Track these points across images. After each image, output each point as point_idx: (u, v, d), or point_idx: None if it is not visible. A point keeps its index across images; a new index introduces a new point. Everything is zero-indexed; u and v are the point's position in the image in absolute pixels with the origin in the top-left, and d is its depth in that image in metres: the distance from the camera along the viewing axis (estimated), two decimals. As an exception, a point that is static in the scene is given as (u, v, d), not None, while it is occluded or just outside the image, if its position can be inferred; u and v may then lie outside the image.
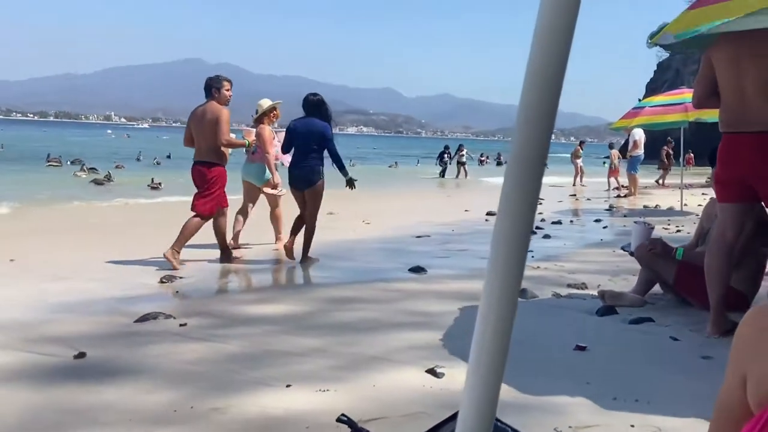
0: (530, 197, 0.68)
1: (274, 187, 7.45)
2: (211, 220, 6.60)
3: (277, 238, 7.71)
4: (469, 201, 14.52)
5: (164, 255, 6.23)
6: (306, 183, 6.51)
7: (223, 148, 6.45)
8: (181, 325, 4.21)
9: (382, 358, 3.50)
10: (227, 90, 6.58)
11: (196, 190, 6.55)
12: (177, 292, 5.36)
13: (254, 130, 7.38)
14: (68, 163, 25.92)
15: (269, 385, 3.11)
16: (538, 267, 6.30)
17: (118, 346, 3.81)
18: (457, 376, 3.15)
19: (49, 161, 26.13)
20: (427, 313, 4.51)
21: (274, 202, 7.63)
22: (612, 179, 20.00)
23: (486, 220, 11.01)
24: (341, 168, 6.74)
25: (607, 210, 13.46)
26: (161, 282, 5.74)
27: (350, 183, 6.91)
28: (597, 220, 11.30)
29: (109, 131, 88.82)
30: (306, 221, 6.63)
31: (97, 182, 18.97)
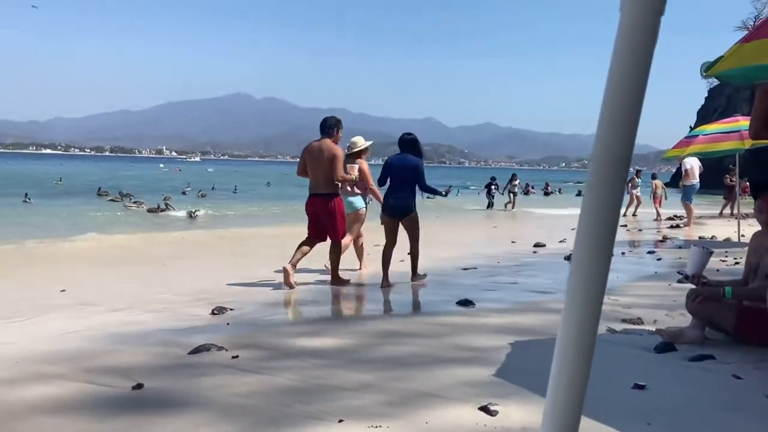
0: (609, 228, 0.68)
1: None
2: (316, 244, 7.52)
3: (362, 265, 8.53)
4: (515, 232, 14.37)
5: (331, 282, 7.36)
6: (401, 213, 7.25)
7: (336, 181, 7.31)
8: (233, 357, 4.27)
9: (433, 395, 3.46)
10: (341, 131, 7.42)
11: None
12: (228, 324, 5.44)
13: (356, 165, 8.07)
14: (119, 195, 26.93)
15: (321, 419, 3.11)
16: (590, 301, 6.15)
17: (174, 378, 3.88)
18: (511, 413, 3.08)
19: (99, 193, 27.34)
20: (478, 348, 4.45)
21: (358, 231, 8.35)
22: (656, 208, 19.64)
23: (534, 252, 10.85)
24: (434, 193, 8.02)
25: (660, 241, 13.09)
26: (212, 314, 5.85)
27: (447, 194, 8.63)
28: (650, 252, 10.99)
29: (162, 165, 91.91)
30: (411, 248, 7.47)
31: (151, 210, 19.78)
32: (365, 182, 8.03)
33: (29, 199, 23.27)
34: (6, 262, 9.83)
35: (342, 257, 7.55)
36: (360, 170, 8.03)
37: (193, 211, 19.45)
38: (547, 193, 40.17)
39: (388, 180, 7.36)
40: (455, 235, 14.54)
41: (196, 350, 4.42)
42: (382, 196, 7.62)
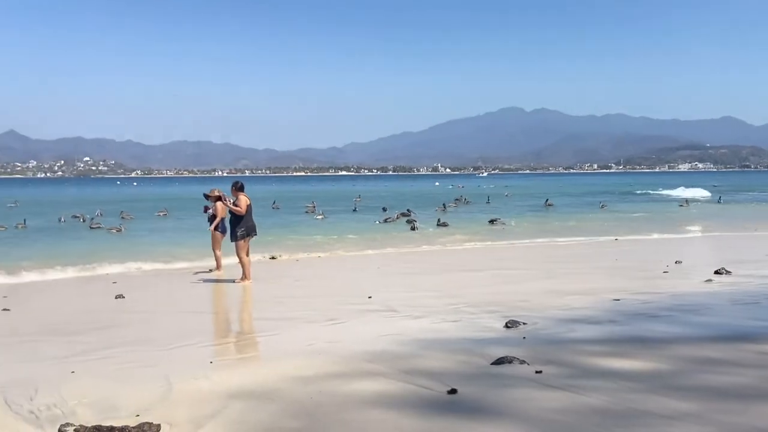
0: None
1: None
2: None
3: None
4: None
5: None
6: None
7: None
8: (536, 371, 4.30)
9: (775, 435, 3.02)
10: None
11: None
12: (524, 338, 5.50)
13: None
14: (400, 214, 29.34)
15: (644, 447, 2.95)
16: None
17: (482, 386, 4.06)
18: None
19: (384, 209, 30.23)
20: (829, 387, 3.75)
21: None
22: None
23: None
24: None
25: None
26: (507, 327, 5.98)
27: None
28: None
29: (437, 183, 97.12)
30: None
31: (413, 227, 20.96)
32: None
33: (323, 213, 27.27)
34: (323, 269, 11.45)
35: None
36: None
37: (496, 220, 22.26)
38: None
39: None
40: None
41: (499, 361, 4.57)
42: None
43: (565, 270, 10.36)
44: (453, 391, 3.93)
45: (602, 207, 31.69)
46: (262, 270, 10.80)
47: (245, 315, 8.02)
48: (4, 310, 7.87)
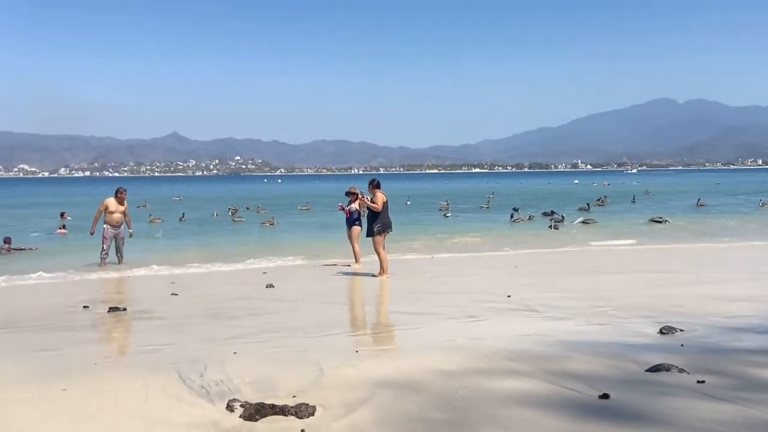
0: None
1: None
2: None
3: None
4: None
5: None
6: None
7: None
8: (698, 381, 4.01)
9: None
10: None
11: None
12: (682, 345, 5.14)
13: None
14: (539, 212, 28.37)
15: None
16: None
17: (636, 393, 3.86)
18: None
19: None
20: None
21: None
22: None
23: None
24: None
25: None
26: (661, 333, 5.62)
27: None
28: None
29: (576, 181, 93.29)
30: None
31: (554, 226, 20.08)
32: None
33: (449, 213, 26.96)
34: (459, 266, 11.45)
35: None
36: None
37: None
38: None
39: None
40: None
41: (655, 368, 4.31)
42: None
43: (724, 274, 9.53)
44: (605, 396, 3.77)
45: (762, 205, 28.47)
46: (398, 266, 11.03)
47: (384, 308, 8.24)
48: (173, 294, 8.75)
